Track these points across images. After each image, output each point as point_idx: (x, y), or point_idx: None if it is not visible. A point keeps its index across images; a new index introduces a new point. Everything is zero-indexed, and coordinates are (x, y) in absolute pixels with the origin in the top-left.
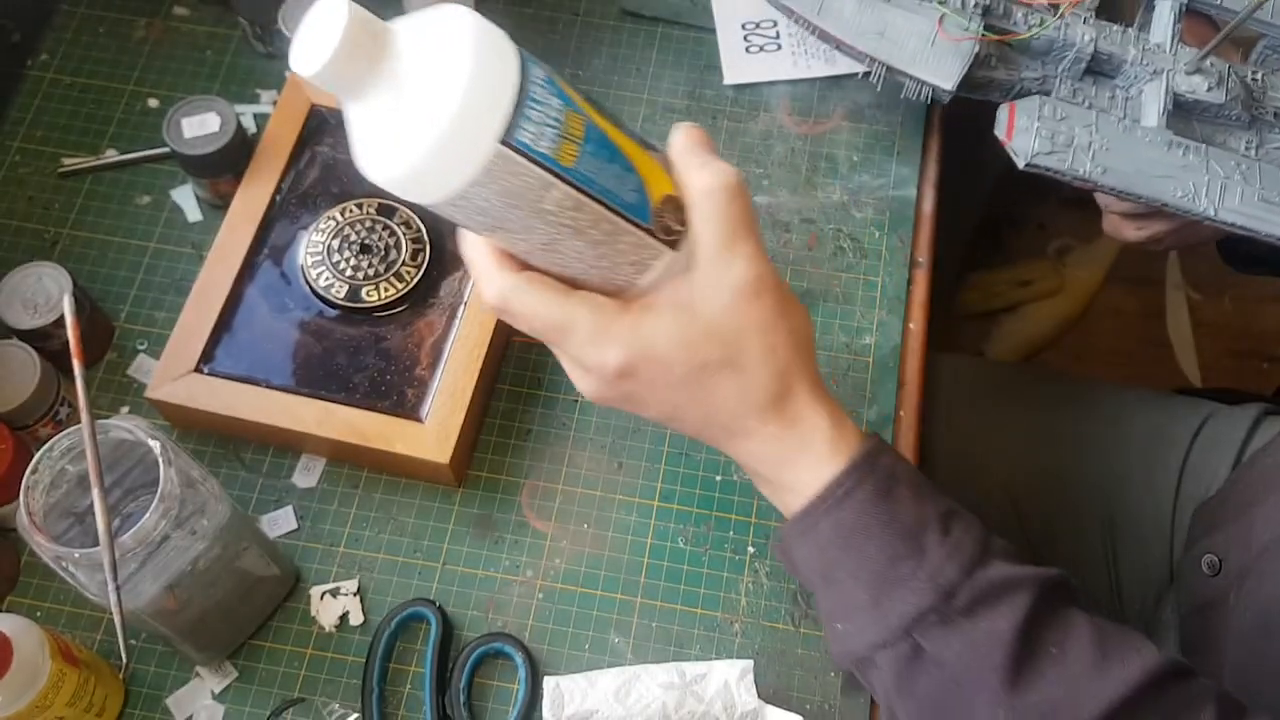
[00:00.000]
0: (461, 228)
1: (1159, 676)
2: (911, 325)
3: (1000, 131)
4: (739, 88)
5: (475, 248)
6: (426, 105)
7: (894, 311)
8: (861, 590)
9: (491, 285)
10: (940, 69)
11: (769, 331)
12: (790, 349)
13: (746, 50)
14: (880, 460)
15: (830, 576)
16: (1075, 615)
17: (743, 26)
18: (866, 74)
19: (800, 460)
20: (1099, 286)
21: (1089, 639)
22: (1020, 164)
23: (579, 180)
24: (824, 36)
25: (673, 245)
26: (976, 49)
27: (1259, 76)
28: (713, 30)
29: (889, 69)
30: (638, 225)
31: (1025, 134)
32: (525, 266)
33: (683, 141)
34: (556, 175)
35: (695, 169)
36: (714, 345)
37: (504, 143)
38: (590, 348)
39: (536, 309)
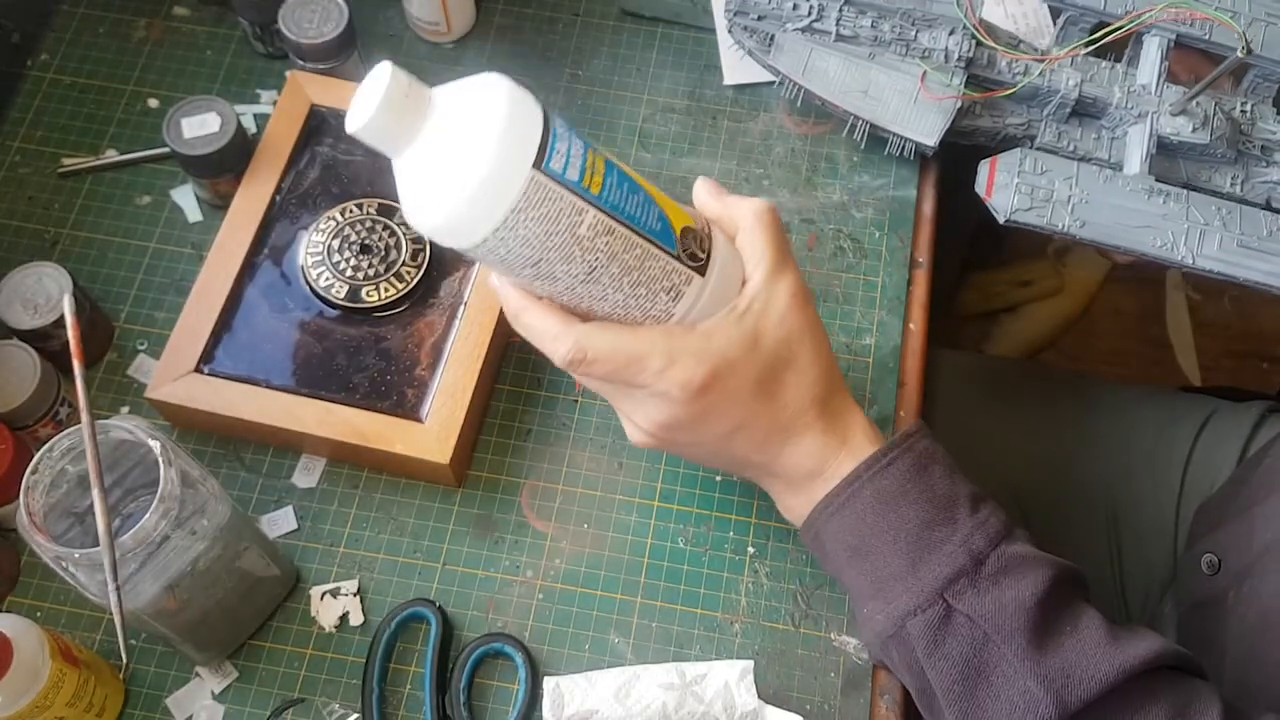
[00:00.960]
0: (511, 277)
1: (1169, 659)
2: (911, 325)
3: (980, 188)
4: (739, 88)
5: (535, 315)
6: (469, 146)
7: (894, 311)
8: (899, 556)
9: (563, 342)
10: (923, 126)
11: (816, 334)
12: (828, 352)
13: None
14: (919, 440)
15: (864, 548)
16: (1086, 606)
17: None
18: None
19: (842, 450)
20: (1099, 286)
21: (1100, 624)
22: (1000, 220)
23: (608, 206)
24: (809, 96)
25: (699, 271)
26: (959, 105)
27: (1249, 107)
28: (713, 30)
29: (872, 126)
30: (665, 250)
31: (1005, 190)
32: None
33: (711, 186)
34: (588, 201)
35: (740, 200)
36: (781, 344)
37: (538, 169)
38: (672, 369)
39: (614, 345)
